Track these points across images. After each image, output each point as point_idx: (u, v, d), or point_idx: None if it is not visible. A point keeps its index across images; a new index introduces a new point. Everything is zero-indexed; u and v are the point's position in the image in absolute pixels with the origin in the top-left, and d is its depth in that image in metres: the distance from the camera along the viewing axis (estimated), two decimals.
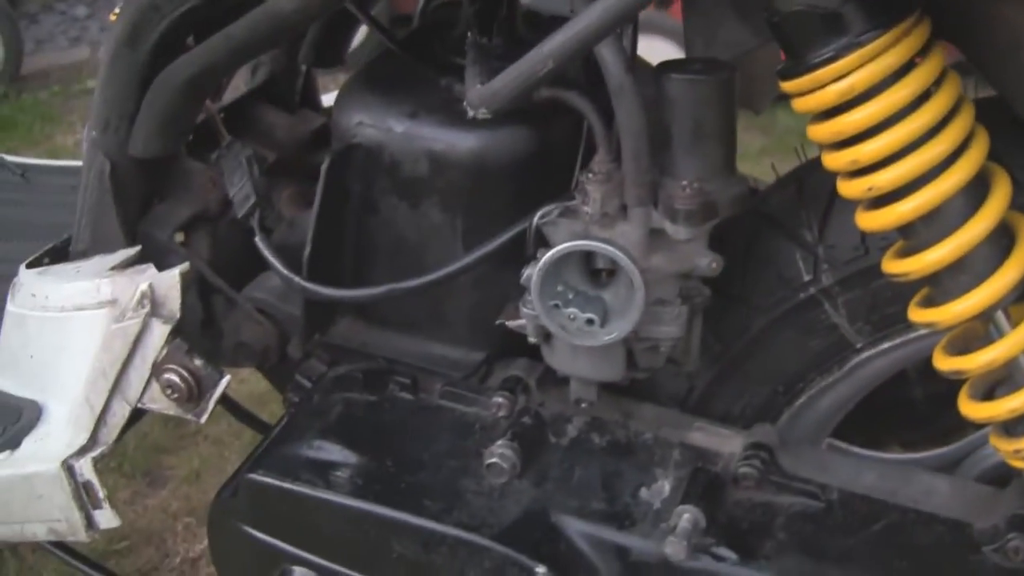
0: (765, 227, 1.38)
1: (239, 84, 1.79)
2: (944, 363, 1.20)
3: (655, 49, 1.33)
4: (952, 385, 1.23)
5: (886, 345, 1.38)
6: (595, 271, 1.29)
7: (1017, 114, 1.18)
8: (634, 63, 1.24)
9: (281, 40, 1.63)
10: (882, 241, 1.28)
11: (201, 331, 1.54)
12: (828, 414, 1.48)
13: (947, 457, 1.62)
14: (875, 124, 1.10)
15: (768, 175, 1.52)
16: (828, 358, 1.41)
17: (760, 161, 3.86)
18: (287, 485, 1.40)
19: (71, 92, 5.44)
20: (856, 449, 1.59)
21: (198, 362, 1.39)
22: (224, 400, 1.63)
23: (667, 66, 1.23)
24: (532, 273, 1.26)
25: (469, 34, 1.36)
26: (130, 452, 2.82)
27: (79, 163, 2.54)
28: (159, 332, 1.37)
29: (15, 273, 1.61)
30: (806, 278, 1.35)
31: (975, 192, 1.14)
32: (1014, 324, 1.17)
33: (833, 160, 1.14)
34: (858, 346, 1.38)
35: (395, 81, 1.47)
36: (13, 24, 5.38)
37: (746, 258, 1.39)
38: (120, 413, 1.42)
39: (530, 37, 1.47)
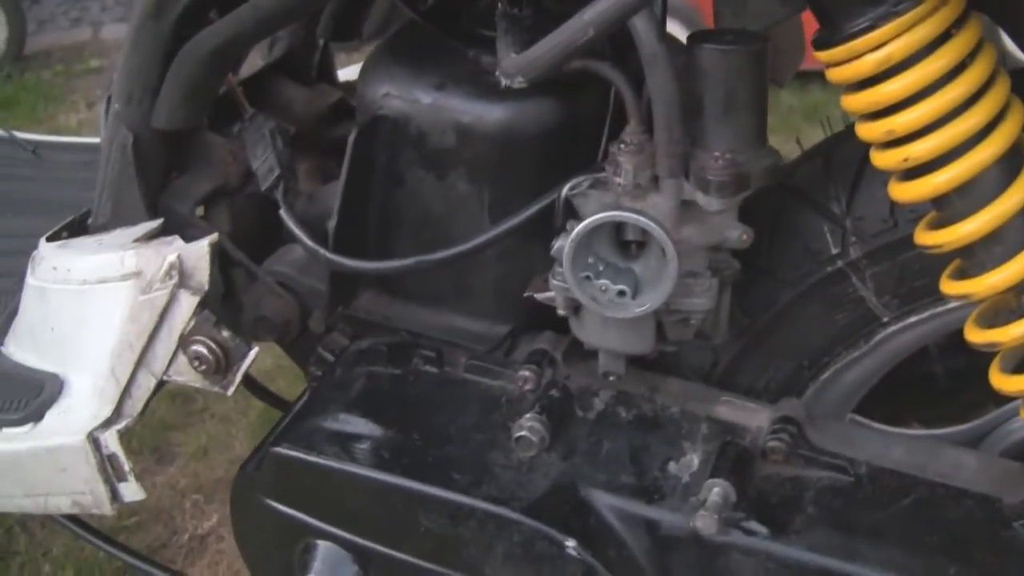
0: (792, 200, 1.38)
1: (256, 59, 1.78)
2: (977, 336, 1.19)
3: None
4: (973, 361, 1.23)
5: (913, 319, 1.37)
6: (625, 243, 1.27)
7: None
8: (664, 33, 1.23)
9: (308, 10, 1.61)
10: (911, 213, 1.27)
11: (222, 304, 1.53)
12: (853, 389, 1.48)
13: (969, 434, 1.61)
14: (912, 94, 1.09)
15: None
16: (854, 332, 1.40)
17: None
18: (312, 458, 1.39)
19: (73, 72, 5.46)
20: (878, 425, 1.58)
21: (226, 334, 1.38)
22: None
23: (699, 36, 1.22)
24: (563, 245, 1.24)
25: (500, 4, 1.35)
26: (138, 429, 2.81)
27: (90, 140, 2.56)
28: (187, 304, 1.36)
29: (31, 247, 1.60)
30: (834, 251, 1.35)
31: (1011, 163, 1.12)
32: None
33: (868, 131, 1.13)
34: (885, 320, 1.38)
35: (421, 52, 1.46)
36: (16, 4, 5.37)
37: (773, 231, 1.38)
38: (146, 385, 1.41)
39: (557, 8, 1.46)
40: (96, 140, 2.57)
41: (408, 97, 1.42)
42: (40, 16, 6.13)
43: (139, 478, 2.27)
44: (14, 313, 1.66)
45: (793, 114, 4.25)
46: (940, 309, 1.34)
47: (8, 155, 2.48)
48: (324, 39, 1.79)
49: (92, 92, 5.15)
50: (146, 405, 1.45)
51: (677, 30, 3.77)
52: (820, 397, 1.46)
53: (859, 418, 1.55)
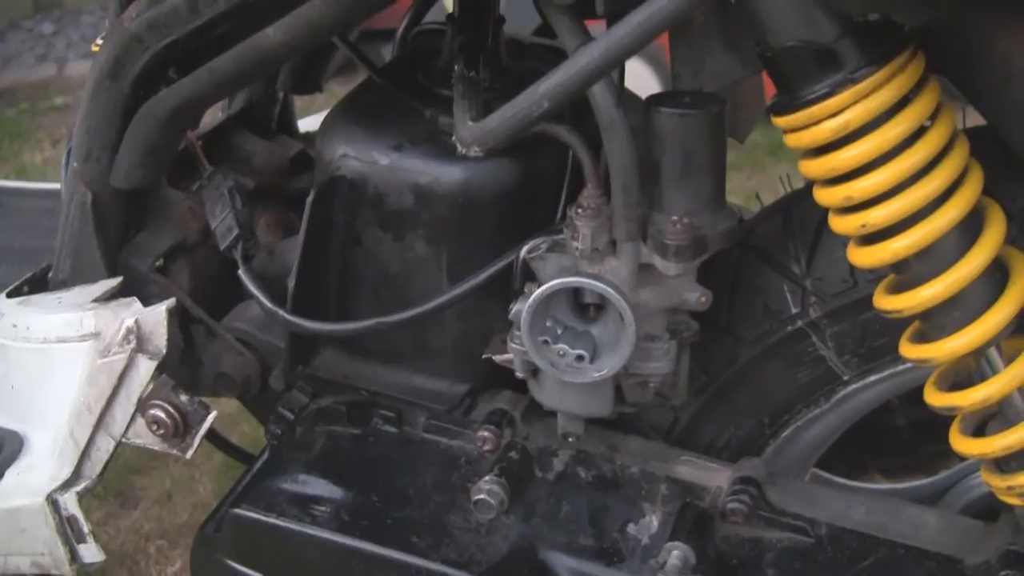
0: (752, 258, 1.39)
1: (216, 110, 1.79)
2: (937, 399, 1.21)
3: (631, 72, 1.34)
4: (935, 414, 1.24)
5: (873, 378, 1.39)
6: (584, 306, 1.28)
7: (1007, 145, 1.19)
8: (623, 96, 1.24)
9: (266, 72, 1.62)
10: (871, 274, 1.28)
11: (181, 360, 1.53)
12: (814, 445, 1.49)
13: (931, 488, 1.62)
14: (870, 161, 1.10)
15: (737, 191, 1.53)
16: (815, 390, 1.42)
17: (730, 177, 3.89)
18: (271, 520, 1.40)
19: (38, 109, 5.42)
20: (839, 479, 1.59)
21: (184, 398, 1.38)
22: None
23: (656, 99, 1.23)
24: (521, 309, 1.25)
25: (456, 67, 1.36)
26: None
27: (52, 186, 2.55)
28: (145, 368, 1.36)
29: None
30: (794, 310, 1.36)
31: (970, 228, 1.14)
32: (1007, 360, 1.17)
33: (826, 196, 1.14)
34: (845, 378, 1.39)
35: (379, 112, 1.47)
36: None
37: (733, 289, 1.39)
38: (104, 447, 1.41)
39: (514, 67, 1.47)
40: (58, 186, 2.58)
41: (366, 158, 1.42)
42: (4, 53, 6.09)
43: (103, 522, 2.25)
44: None
45: (758, 150, 4.27)
46: (900, 368, 1.36)
47: None
48: (284, 91, 1.80)
49: (57, 130, 5.10)
50: (105, 467, 1.45)
51: (644, 72, 3.79)
52: (781, 454, 1.47)
53: (821, 472, 1.56)
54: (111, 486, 2.85)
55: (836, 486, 1.53)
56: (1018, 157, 1.19)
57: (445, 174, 1.38)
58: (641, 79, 3.32)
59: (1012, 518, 1.28)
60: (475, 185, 1.38)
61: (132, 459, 2.95)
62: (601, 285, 1.21)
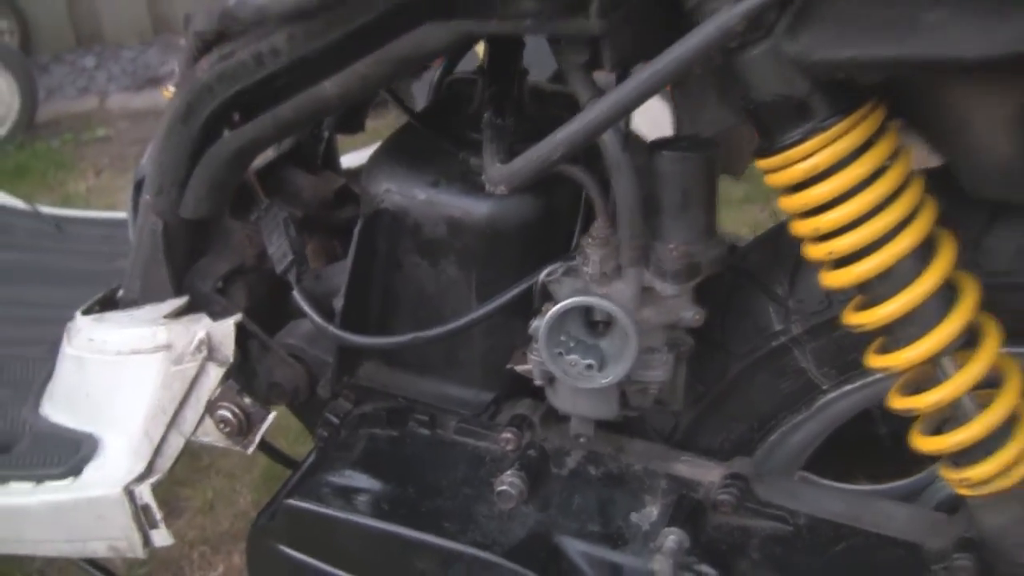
0: (744, 282, 1.55)
1: (270, 149, 1.96)
2: (897, 402, 1.37)
3: (653, 109, 1.51)
4: (910, 424, 1.40)
5: (849, 387, 1.54)
6: (594, 322, 1.45)
7: (961, 183, 1.35)
8: (629, 139, 1.42)
9: (322, 119, 1.80)
10: (843, 296, 1.43)
11: (238, 371, 1.70)
12: (799, 448, 1.64)
13: (909, 488, 1.78)
14: (835, 197, 1.26)
15: (750, 222, 1.69)
16: (798, 399, 1.57)
17: (743, 209, 4.03)
18: (321, 509, 1.57)
19: (82, 140, 5.58)
20: (826, 481, 1.75)
21: (247, 400, 1.57)
22: None
23: (658, 144, 1.41)
24: (539, 325, 1.43)
25: (486, 115, 1.54)
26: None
27: (108, 214, 2.74)
28: (215, 375, 1.55)
29: (58, 316, 1.80)
30: (778, 328, 1.51)
31: (924, 254, 1.30)
32: (959, 368, 1.33)
33: (800, 227, 1.31)
34: (824, 388, 1.54)
35: (418, 153, 1.64)
36: (28, 74, 5.51)
37: (726, 309, 1.55)
38: (175, 444, 1.60)
39: (537, 113, 1.65)
40: (113, 215, 2.75)
41: (406, 193, 1.60)
42: (49, 85, 6.27)
43: None
44: (49, 378, 1.84)
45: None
46: (872, 378, 1.51)
47: (33, 228, 2.65)
48: (329, 131, 1.98)
49: (99, 160, 5.28)
50: (175, 462, 1.63)
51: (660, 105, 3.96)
52: (769, 456, 1.62)
53: (808, 475, 1.73)
54: (156, 496, 2.99)
55: (819, 484, 1.70)
56: (970, 193, 1.37)
57: (475, 208, 1.56)
58: (660, 115, 3.48)
59: (968, 509, 1.45)
60: (500, 218, 1.55)
61: (176, 471, 3.09)
62: (608, 304, 1.40)
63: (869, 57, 1.17)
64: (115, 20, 6.76)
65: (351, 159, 2.12)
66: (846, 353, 1.50)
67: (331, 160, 2.04)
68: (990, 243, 1.41)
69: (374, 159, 1.66)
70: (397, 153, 1.67)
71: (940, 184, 1.34)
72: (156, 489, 1.63)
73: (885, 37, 1.16)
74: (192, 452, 3.14)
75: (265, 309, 1.80)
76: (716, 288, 1.52)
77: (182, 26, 1.61)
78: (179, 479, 3.09)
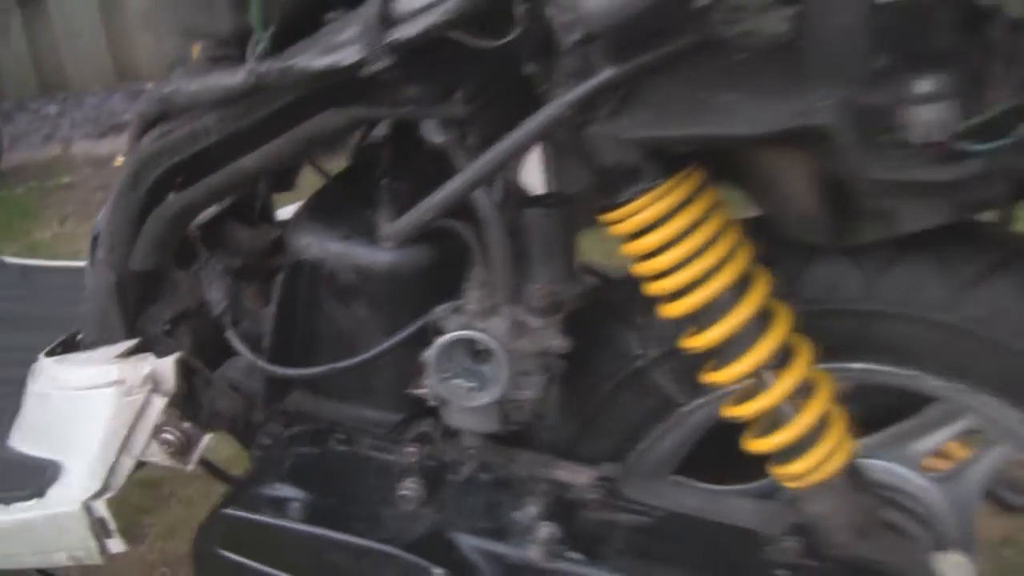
0: (608, 313, 1.77)
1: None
2: (729, 411, 1.63)
3: None
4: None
5: (702, 400, 1.75)
6: (477, 351, 1.69)
7: (776, 230, 1.61)
8: (510, 194, 1.68)
9: (249, 185, 2.06)
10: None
11: (184, 403, 1.91)
12: (666, 456, 1.85)
13: (766, 487, 2.01)
14: (664, 244, 1.52)
15: None
16: (659, 412, 1.79)
17: None
18: (254, 516, 1.81)
19: (46, 188, 5.61)
20: (694, 483, 1.98)
21: (187, 424, 1.82)
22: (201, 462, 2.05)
23: (528, 201, 1.67)
24: (430, 355, 1.70)
25: (384, 180, 1.80)
26: (114, 512, 3.13)
27: (70, 264, 2.93)
28: (159, 404, 1.78)
29: (25, 360, 2.02)
30: (637, 352, 1.74)
31: (741, 287, 1.55)
32: (777, 380, 1.58)
33: (640, 269, 1.57)
34: (681, 402, 1.76)
35: (333, 211, 1.88)
36: None
37: (595, 337, 1.77)
38: (127, 465, 1.82)
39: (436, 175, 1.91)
40: (74, 264, 2.96)
41: (322, 246, 1.83)
42: (12, 133, 6.29)
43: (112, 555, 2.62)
44: (16, 414, 2.05)
45: None
46: (719, 393, 1.70)
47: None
48: (264, 190, 2.24)
49: (64, 207, 5.33)
50: (126, 479, 1.88)
51: None
52: (640, 463, 1.84)
53: (679, 478, 1.96)
54: (120, 523, 3.15)
55: (683, 485, 1.90)
56: (786, 238, 1.61)
57: (378, 259, 1.78)
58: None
59: (794, 498, 1.68)
60: (400, 266, 1.77)
61: (139, 500, 3.24)
62: (485, 337, 1.65)
63: (674, 135, 1.44)
64: (79, 67, 6.76)
65: (286, 212, 2.36)
66: (696, 372, 1.68)
67: (267, 213, 2.24)
68: (807, 277, 1.65)
69: (296, 216, 1.91)
70: (315, 211, 1.90)
71: (762, 228, 1.60)
72: (110, 503, 1.86)
73: (687, 118, 1.41)
74: (154, 481, 3.34)
75: (208, 348, 2.02)
76: (586, 319, 1.75)
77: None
78: (142, 507, 3.24)
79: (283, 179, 2.17)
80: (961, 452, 1.92)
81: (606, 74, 1.40)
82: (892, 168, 1.35)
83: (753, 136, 1.39)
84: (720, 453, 1.85)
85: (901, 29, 1.31)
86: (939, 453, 1.89)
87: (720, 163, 1.58)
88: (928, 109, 1.31)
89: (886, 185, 1.39)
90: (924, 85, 1.31)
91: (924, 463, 1.87)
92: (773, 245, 1.62)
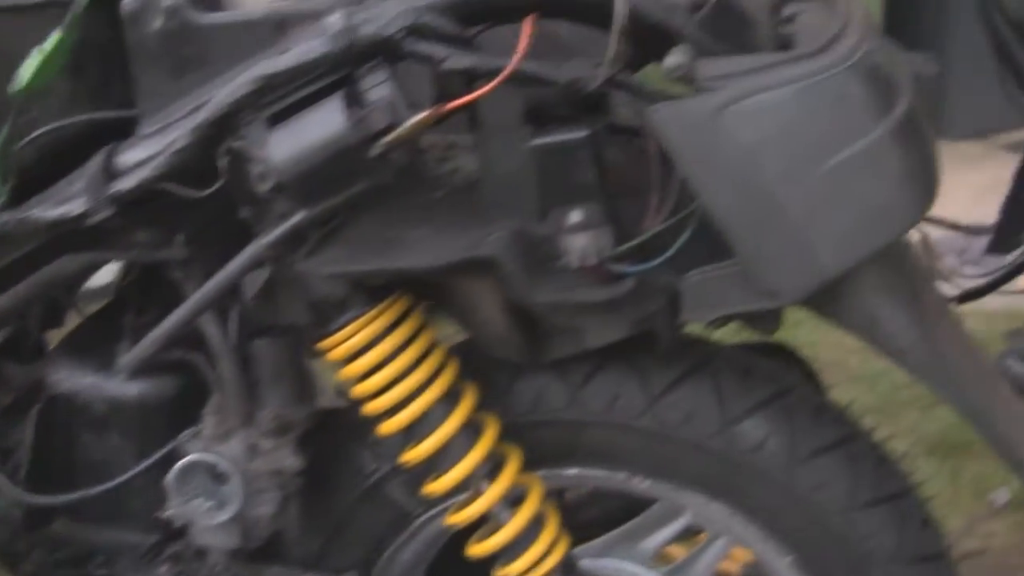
0: (347, 431, 1.90)
1: None
2: (449, 520, 1.79)
3: None
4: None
5: (433, 512, 1.85)
6: (216, 473, 1.82)
7: (482, 350, 1.77)
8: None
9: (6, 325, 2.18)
10: None
11: None
12: (410, 565, 1.96)
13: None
14: (371, 368, 1.67)
15: None
16: (398, 524, 1.89)
17: None
18: None
19: None
20: None
21: None
22: None
23: (255, 331, 1.82)
24: (170, 478, 1.83)
25: (127, 315, 1.95)
26: None
27: None
28: None
29: None
30: (372, 468, 1.87)
31: (449, 403, 1.69)
32: (489, 487, 1.73)
33: (357, 391, 1.71)
34: (416, 514, 1.86)
35: (86, 346, 2.00)
36: None
37: (334, 455, 1.90)
38: None
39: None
40: None
41: (76, 379, 1.95)
42: None
43: None
44: None
45: None
46: (447, 504, 1.79)
47: None
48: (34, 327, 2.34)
49: None
50: None
51: None
52: (387, 571, 1.97)
53: None
54: None
55: None
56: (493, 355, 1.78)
57: (128, 389, 1.91)
58: None
59: None
60: (147, 396, 1.90)
61: None
62: (218, 459, 1.78)
63: (366, 269, 1.61)
64: None
65: None
66: (423, 483, 1.81)
67: (40, 349, 2.29)
68: (515, 391, 1.82)
69: (52, 352, 2.04)
70: (70, 347, 2.03)
71: (473, 348, 1.77)
72: None
73: (377, 254, 1.59)
74: None
75: None
76: (326, 437, 1.90)
77: None
78: None
79: (51, 318, 2.26)
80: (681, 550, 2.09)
81: (298, 217, 1.55)
82: (554, 292, 1.53)
83: (430, 269, 1.56)
84: (462, 560, 1.96)
85: (553, 167, 1.50)
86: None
87: (426, 292, 1.75)
88: (581, 237, 1.50)
89: (555, 307, 1.57)
90: (576, 215, 1.50)
91: (655, 558, 2.03)
92: (483, 364, 1.79)
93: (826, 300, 1.54)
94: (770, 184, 1.43)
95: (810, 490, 1.79)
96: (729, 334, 1.80)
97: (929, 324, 1.62)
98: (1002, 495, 3.39)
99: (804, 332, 1.53)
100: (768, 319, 1.65)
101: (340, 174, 1.54)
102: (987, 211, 1.91)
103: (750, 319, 1.64)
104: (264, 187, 1.53)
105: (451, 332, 1.84)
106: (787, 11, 1.67)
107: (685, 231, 1.52)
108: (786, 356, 2.04)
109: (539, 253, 1.54)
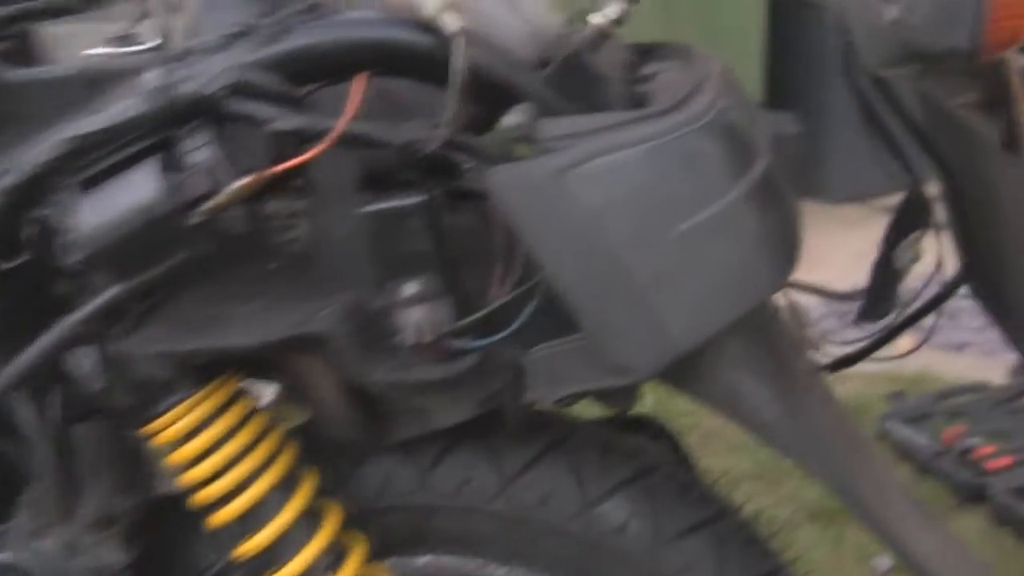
0: (184, 522, 1.73)
1: None
2: None
3: None
4: None
5: None
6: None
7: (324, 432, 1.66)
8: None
9: None
10: None
11: None
12: None
13: None
14: (199, 454, 1.55)
15: None
16: None
17: None
18: None
19: None
20: None
21: None
22: None
23: (74, 416, 1.67)
24: None
25: None
26: None
27: None
28: None
29: None
30: (210, 560, 1.75)
31: (285, 490, 1.58)
32: None
33: (184, 480, 1.59)
34: None
35: None
36: None
37: (172, 548, 1.78)
38: None
39: None
40: None
41: None
42: None
43: None
44: None
45: None
46: None
47: None
48: None
49: None
50: None
51: None
52: None
53: None
54: None
55: None
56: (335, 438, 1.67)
57: None
58: None
59: None
60: None
61: None
62: (26, 560, 1.64)
63: (185, 349, 1.49)
64: None
65: None
66: None
67: None
68: (361, 475, 1.71)
69: None
70: None
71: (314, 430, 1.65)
72: None
73: (197, 332, 1.48)
74: None
75: None
76: (163, 529, 1.77)
77: None
78: None
79: None
80: None
81: (111, 292, 1.43)
82: (390, 370, 1.42)
83: (257, 347, 1.44)
84: None
85: (387, 236, 1.39)
86: None
87: (262, 371, 1.65)
88: (416, 311, 1.39)
89: (392, 386, 1.46)
90: (410, 288, 1.39)
91: None
92: (325, 447, 1.68)
93: (683, 374, 1.44)
94: (616, 250, 1.32)
95: (675, 573, 1.68)
96: (590, 409, 1.69)
97: (796, 396, 1.53)
98: (884, 561, 3.42)
99: (683, 401, 1.43)
100: (622, 396, 1.56)
101: (157, 244, 1.42)
102: (866, 274, 1.84)
103: (602, 396, 1.54)
104: (71, 259, 1.41)
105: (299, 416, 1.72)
106: (647, 69, 1.58)
107: (531, 303, 1.41)
108: (654, 430, 1.94)
109: (374, 328, 1.43)
